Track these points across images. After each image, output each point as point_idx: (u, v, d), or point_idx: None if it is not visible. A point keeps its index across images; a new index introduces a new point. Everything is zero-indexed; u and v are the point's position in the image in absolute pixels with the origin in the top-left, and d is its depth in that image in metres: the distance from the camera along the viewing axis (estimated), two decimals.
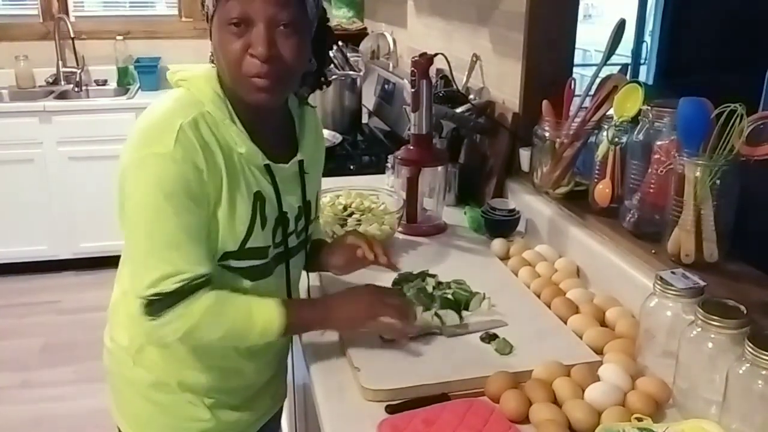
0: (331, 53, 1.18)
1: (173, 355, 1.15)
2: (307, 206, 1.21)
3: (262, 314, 1.07)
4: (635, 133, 1.39)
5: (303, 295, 1.34)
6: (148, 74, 3.85)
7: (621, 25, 1.53)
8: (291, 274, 1.21)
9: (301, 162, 1.17)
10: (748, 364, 0.87)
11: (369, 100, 3.00)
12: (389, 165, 2.02)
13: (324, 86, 1.22)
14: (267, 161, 1.09)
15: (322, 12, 1.10)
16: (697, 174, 1.18)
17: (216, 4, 1.00)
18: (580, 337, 1.22)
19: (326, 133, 2.14)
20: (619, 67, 1.57)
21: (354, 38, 3.54)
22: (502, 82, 2.00)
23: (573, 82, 1.62)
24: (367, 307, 1.14)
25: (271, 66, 0.99)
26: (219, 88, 1.07)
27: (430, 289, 1.35)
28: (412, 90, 1.67)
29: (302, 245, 1.24)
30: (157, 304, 1.02)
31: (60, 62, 3.92)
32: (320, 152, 1.29)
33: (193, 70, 1.10)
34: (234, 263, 1.09)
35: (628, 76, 1.54)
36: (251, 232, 1.08)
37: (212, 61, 1.09)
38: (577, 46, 1.86)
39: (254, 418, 1.29)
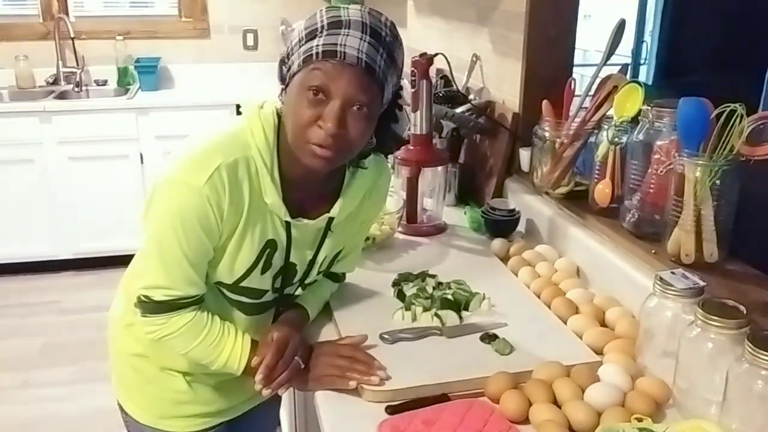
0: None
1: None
2: (316, 261, 1.22)
3: (229, 350, 1.14)
4: (635, 133, 1.39)
5: None
6: (148, 74, 3.84)
7: (621, 25, 1.53)
8: None
9: (330, 219, 1.17)
10: (747, 364, 0.87)
11: None
12: (389, 165, 2.02)
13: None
14: (288, 218, 1.11)
15: (397, 92, 1.12)
16: (697, 174, 1.18)
17: (302, 66, 1.00)
18: (580, 338, 1.22)
19: None
20: (619, 67, 1.57)
21: None
22: (502, 82, 2.00)
23: (573, 82, 1.62)
24: (325, 367, 1.13)
25: (334, 141, 1.00)
26: (273, 135, 1.08)
27: (430, 289, 1.36)
28: (412, 90, 1.67)
29: None
30: (146, 305, 1.11)
31: (60, 62, 3.92)
32: (365, 213, 1.27)
33: (259, 109, 1.10)
34: (226, 293, 1.16)
35: (628, 76, 1.54)
36: (248, 275, 1.13)
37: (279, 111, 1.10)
38: (577, 46, 1.86)
39: (237, 401, 1.32)
